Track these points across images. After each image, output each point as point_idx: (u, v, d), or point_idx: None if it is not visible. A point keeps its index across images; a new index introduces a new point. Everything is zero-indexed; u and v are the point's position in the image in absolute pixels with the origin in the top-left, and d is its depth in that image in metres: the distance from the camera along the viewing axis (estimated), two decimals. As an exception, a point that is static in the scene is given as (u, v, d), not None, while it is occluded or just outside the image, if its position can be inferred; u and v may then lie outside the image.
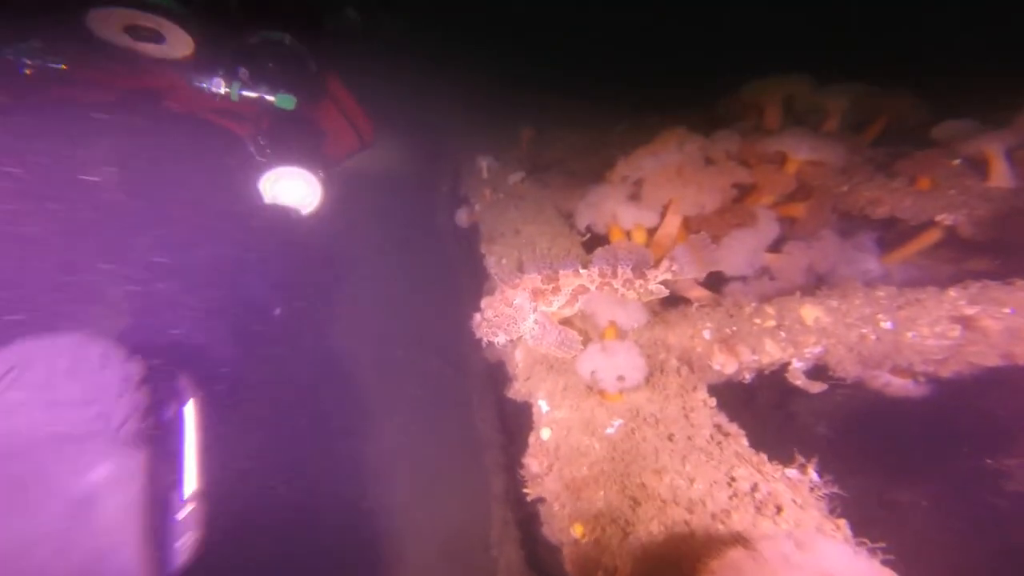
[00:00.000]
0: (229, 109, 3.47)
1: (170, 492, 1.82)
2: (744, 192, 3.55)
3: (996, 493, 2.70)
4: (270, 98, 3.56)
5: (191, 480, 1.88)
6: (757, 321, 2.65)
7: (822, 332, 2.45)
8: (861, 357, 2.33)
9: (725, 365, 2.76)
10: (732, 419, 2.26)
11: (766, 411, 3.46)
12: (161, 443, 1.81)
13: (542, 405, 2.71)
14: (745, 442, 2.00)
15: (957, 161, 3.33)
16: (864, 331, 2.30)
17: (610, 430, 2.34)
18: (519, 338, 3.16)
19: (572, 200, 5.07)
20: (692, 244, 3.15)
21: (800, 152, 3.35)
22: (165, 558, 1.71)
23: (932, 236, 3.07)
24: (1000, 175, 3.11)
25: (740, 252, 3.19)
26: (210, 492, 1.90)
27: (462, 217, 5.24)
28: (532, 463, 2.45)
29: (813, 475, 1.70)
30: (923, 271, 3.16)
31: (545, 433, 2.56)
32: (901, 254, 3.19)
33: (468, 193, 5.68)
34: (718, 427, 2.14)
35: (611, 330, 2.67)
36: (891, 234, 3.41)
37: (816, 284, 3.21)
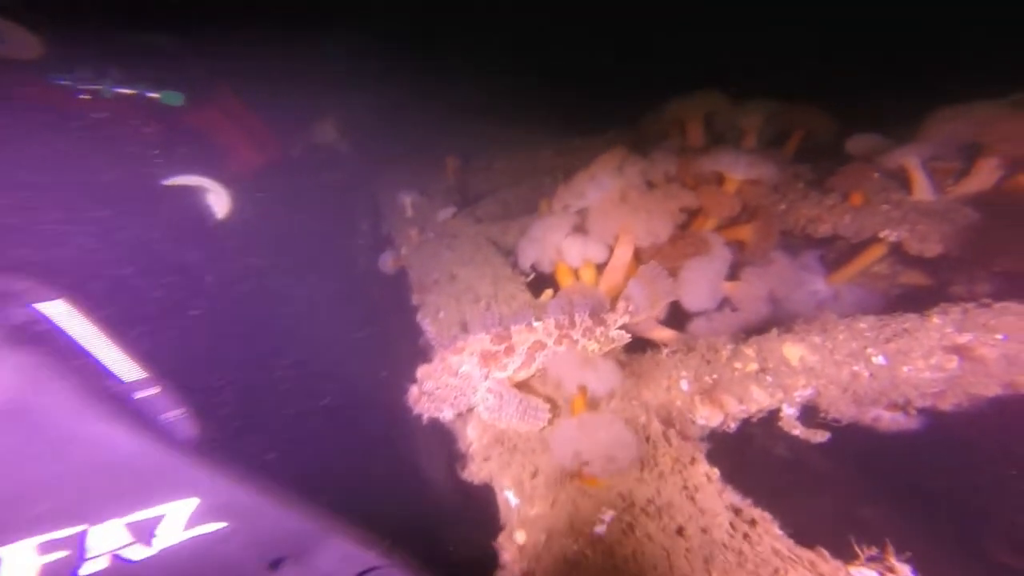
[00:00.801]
0: (111, 108, 3.55)
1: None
2: (689, 217, 3.36)
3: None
4: (153, 95, 3.68)
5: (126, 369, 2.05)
6: (738, 365, 2.36)
7: (810, 372, 2.21)
8: (856, 396, 2.11)
9: (710, 418, 2.45)
10: (741, 490, 1.92)
11: (767, 466, 3.14)
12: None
13: (509, 497, 2.21)
14: (778, 528, 1.65)
15: (876, 175, 3.38)
16: (856, 368, 2.08)
17: (600, 528, 1.89)
18: (469, 410, 2.67)
19: (510, 234, 4.70)
20: (644, 277, 2.87)
21: (737, 171, 3.24)
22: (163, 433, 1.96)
23: (876, 252, 3.05)
24: (922, 188, 3.18)
25: (700, 284, 2.95)
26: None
27: (387, 262, 4.65)
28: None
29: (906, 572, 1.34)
30: (868, 291, 3.12)
31: (519, 536, 2.05)
32: (847, 273, 3.15)
33: (392, 234, 5.11)
34: (736, 510, 1.78)
35: (581, 399, 2.24)
36: (831, 252, 3.38)
37: (776, 313, 3.06)
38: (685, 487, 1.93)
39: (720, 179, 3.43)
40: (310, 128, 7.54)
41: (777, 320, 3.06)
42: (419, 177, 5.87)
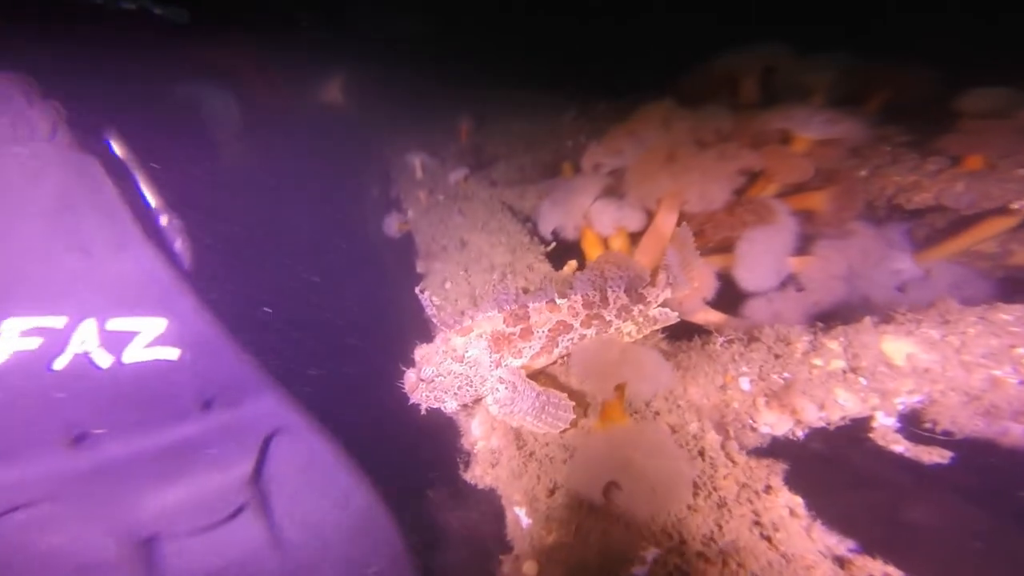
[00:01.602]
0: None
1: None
2: (748, 182, 2.77)
3: None
4: (157, 11, 3.81)
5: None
6: (817, 362, 1.82)
7: (923, 375, 1.66)
8: (991, 407, 1.56)
9: (775, 426, 1.93)
10: (838, 528, 1.40)
11: (863, 493, 2.43)
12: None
13: (520, 516, 1.74)
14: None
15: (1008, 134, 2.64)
16: (999, 372, 1.53)
17: (640, 571, 1.41)
18: (476, 402, 2.19)
19: (528, 199, 4.15)
20: (680, 242, 2.30)
21: (812, 129, 2.62)
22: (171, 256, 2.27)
23: (998, 226, 2.42)
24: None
25: (762, 258, 2.38)
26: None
27: (392, 225, 4.15)
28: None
29: None
30: (970, 271, 2.52)
31: (529, 568, 1.58)
32: (946, 249, 2.54)
33: (400, 196, 4.59)
34: (838, 560, 1.28)
35: (616, 404, 1.72)
36: (920, 226, 2.77)
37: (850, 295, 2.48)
38: (758, 522, 1.42)
39: (787, 139, 2.81)
40: (317, 87, 6.99)
41: (852, 304, 2.50)
42: (431, 138, 5.31)
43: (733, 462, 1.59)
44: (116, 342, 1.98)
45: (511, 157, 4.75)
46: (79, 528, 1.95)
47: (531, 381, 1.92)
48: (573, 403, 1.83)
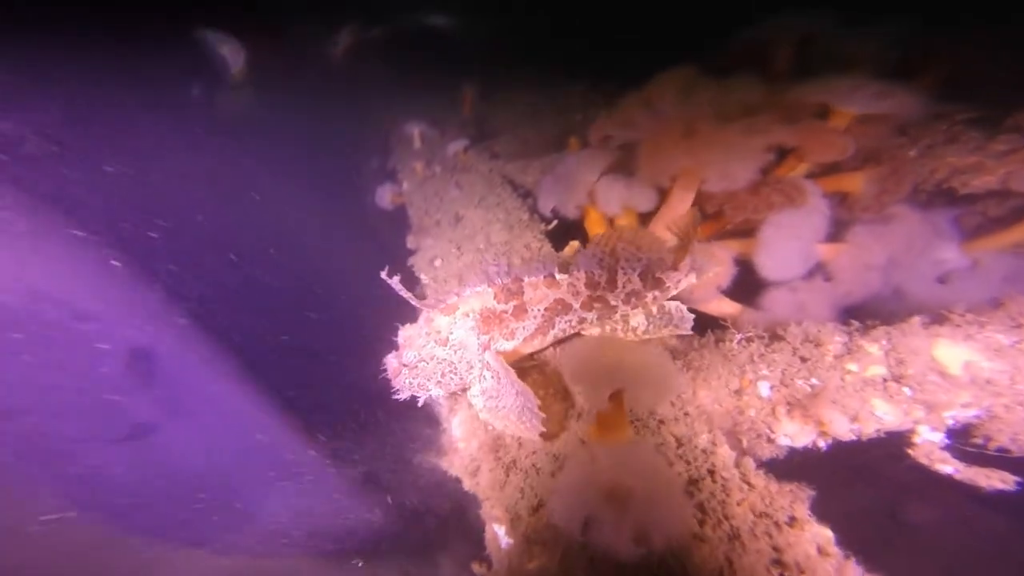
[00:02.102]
0: None
1: None
2: (775, 160, 2.44)
3: None
4: None
5: None
6: (852, 367, 1.55)
7: (984, 386, 1.38)
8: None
9: (796, 437, 1.67)
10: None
11: (898, 520, 2.10)
12: None
13: (499, 534, 1.51)
14: None
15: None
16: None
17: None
18: (461, 390, 1.94)
19: (530, 173, 3.83)
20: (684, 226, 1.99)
21: (856, 103, 2.27)
22: None
23: None
24: None
25: (788, 244, 2.09)
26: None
27: (384, 196, 3.87)
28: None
29: None
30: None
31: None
32: (1004, 239, 2.22)
33: (397, 167, 4.30)
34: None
35: (615, 415, 1.46)
36: (971, 214, 2.44)
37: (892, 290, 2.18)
38: (778, 561, 1.17)
39: (824, 114, 2.46)
40: (320, 48, 6.62)
41: (885, 297, 2.21)
42: (432, 107, 4.97)
43: (749, 485, 1.34)
44: None
45: (515, 129, 4.42)
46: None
47: (512, 374, 1.67)
48: (544, 415, 1.57)
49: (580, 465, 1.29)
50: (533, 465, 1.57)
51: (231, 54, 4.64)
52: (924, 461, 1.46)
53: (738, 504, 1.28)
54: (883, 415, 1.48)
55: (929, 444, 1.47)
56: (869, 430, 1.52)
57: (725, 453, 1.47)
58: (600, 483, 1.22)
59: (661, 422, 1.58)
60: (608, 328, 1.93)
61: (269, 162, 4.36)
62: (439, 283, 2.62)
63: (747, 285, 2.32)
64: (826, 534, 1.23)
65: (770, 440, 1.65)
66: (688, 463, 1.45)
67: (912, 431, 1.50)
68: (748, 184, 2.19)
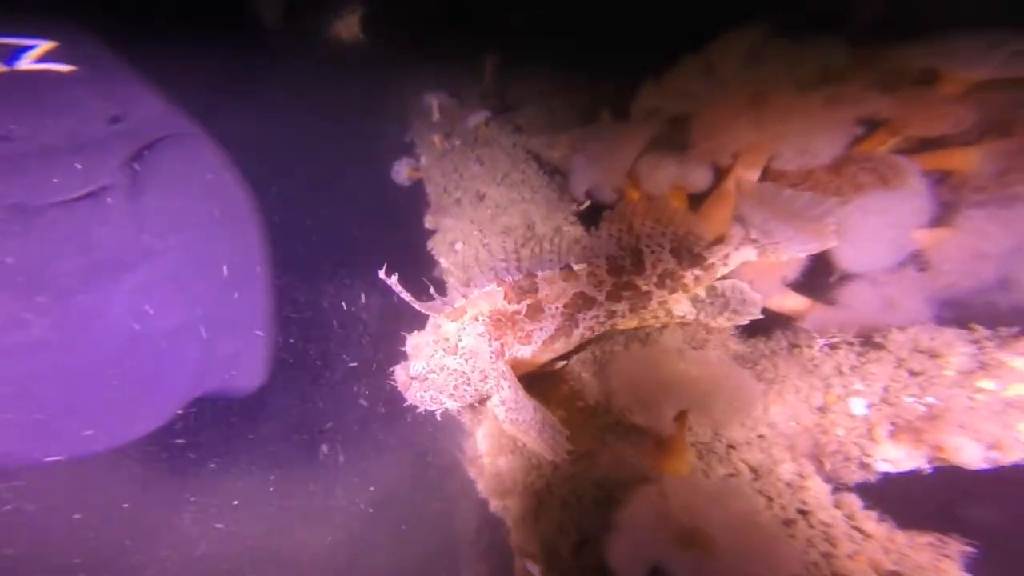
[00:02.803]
0: None
1: None
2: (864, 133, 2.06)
3: None
4: None
5: None
6: (987, 385, 1.24)
7: None
8: None
9: (899, 463, 1.37)
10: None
11: None
12: None
13: (534, 572, 1.26)
14: None
15: None
16: None
17: None
18: (481, 401, 1.67)
19: (558, 148, 3.50)
20: (765, 197, 1.67)
21: (986, 67, 1.86)
22: None
23: None
24: None
25: (879, 231, 1.75)
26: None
27: (401, 172, 3.56)
28: None
29: None
30: None
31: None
32: None
33: (415, 140, 3.98)
34: None
35: (679, 439, 1.16)
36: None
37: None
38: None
39: (931, 79, 2.05)
40: (331, 23, 6.23)
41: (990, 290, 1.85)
42: (452, 76, 4.60)
43: (863, 533, 1.05)
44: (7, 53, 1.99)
45: (539, 100, 4.04)
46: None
47: (523, 391, 1.40)
48: (567, 432, 1.31)
49: (647, 502, 1.01)
50: (573, 492, 1.29)
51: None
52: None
53: (851, 558, 0.99)
54: (1026, 447, 1.17)
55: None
56: (1012, 459, 1.21)
57: (818, 488, 1.17)
58: (674, 526, 0.95)
59: (731, 447, 1.29)
60: (649, 318, 1.64)
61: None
62: (460, 268, 2.34)
63: (813, 274, 1.99)
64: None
65: (863, 465, 1.36)
66: (770, 500, 1.17)
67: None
68: (831, 161, 1.85)
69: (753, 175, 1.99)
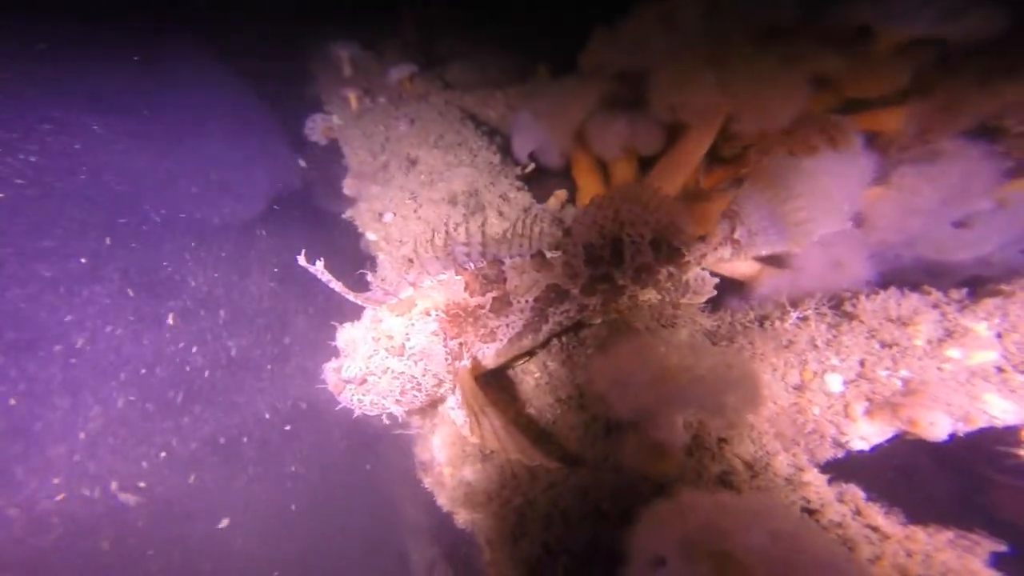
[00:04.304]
0: None
1: None
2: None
3: None
4: None
5: None
6: (953, 354, 1.19)
7: None
8: None
9: (872, 438, 1.32)
10: None
11: None
12: None
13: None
14: None
15: None
16: None
17: None
18: (433, 404, 1.37)
19: (494, 106, 3.14)
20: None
21: (918, 23, 1.81)
22: None
23: None
24: None
25: (832, 194, 1.67)
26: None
27: (315, 128, 2.99)
28: None
29: None
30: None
31: None
32: None
33: (323, 97, 3.38)
34: None
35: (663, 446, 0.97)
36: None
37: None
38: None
39: (867, 39, 1.97)
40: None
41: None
42: (364, 26, 3.97)
43: (878, 531, 0.93)
44: None
45: (469, 54, 3.61)
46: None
47: (482, 413, 1.14)
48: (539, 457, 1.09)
49: (664, 524, 0.80)
50: (555, 506, 1.07)
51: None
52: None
53: (873, 563, 0.87)
54: (1000, 413, 1.13)
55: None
56: (974, 428, 1.17)
57: (818, 481, 1.05)
58: (703, 547, 0.75)
59: (722, 440, 1.14)
60: (613, 314, 1.43)
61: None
62: (392, 244, 1.96)
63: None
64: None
65: (837, 444, 1.28)
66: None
67: (1020, 427, 1.18)
68: (789, 123, 1.73)
69: (709, 136, 1.83)
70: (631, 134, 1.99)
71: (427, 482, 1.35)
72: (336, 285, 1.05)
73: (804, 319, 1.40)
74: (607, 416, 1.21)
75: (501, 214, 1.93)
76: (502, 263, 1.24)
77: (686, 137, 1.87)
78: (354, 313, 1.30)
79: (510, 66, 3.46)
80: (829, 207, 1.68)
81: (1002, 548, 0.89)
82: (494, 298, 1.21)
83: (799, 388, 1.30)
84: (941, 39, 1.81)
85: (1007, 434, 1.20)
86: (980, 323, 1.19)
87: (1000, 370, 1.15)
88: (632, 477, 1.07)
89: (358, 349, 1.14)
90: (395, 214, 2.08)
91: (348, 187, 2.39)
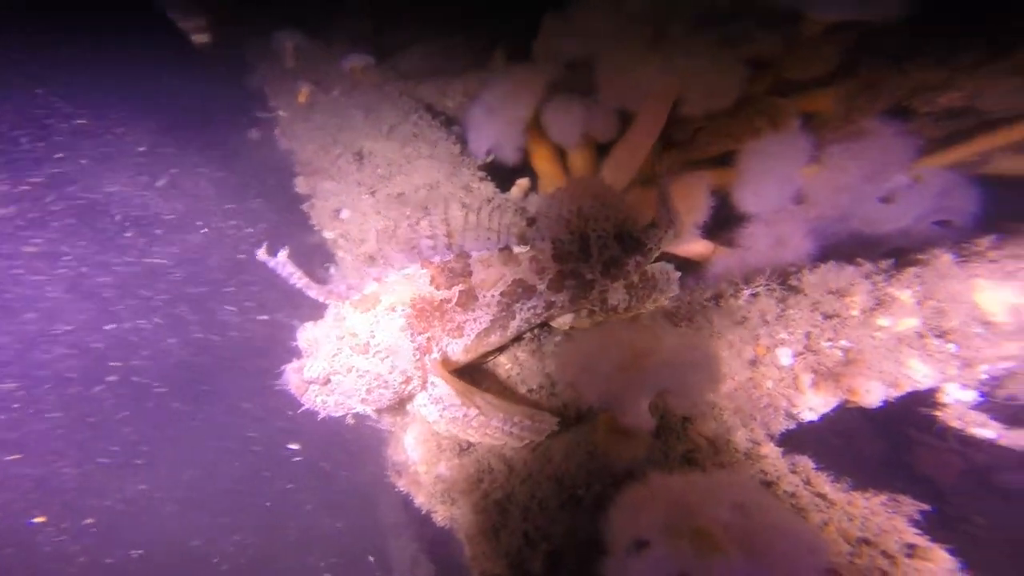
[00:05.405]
0: None
1: None
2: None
3: None
4: None
5: None
6: (883, 323, 1.28)
7: (1031, 338, 1.18)
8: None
9: (819, 409, 1.40)
10: None
11: None
12: None
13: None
14: None
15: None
16: None
17: None
18: (402, 404, 1.34)
19: (451, 96, 3.05)
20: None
21: (834, 7, 1.90)
22: None
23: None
24: None
25: (774, 174, 1.75)
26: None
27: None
28: None
29: None
30: (958, 178, 2.08)
31: None
32: (954, 155, 2.07)
33: (266, 90, 3.17)
34: None
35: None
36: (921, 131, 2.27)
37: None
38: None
39: (800, 24, 2.04)
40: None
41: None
42: (308, 15, 3.74)
43: (825, 499, 1.00)
44: None
45: (422, 42, 3.49)
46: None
47: (462, 390, 1.14)
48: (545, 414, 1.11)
49: (637, 507, 0.82)
50: (533, 496, 1.08)
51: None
52: (956, 424, 1.26)
53: (822, 529, 0.93)
54: (919, 375, 1.23)
55: (958, 405, 1.27)
56: (900, 393, 1.27)
57: (773, 454, 1.11)
58: (680, 526, 0.78)
59: (686, 419, 1.18)
60: (584, 312, 1.43)
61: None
62: (352, 241, 1.89)
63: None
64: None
65: (789, 416, 1.36)
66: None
67: (937, 389, 1.28)
68: (731, 103, 1.77)
69: (661, 120, 1.85)
70: (587, 121, 1.99)
71: (401, 484, 1.33)
72: (301, 282, 1.00)
73: (755, 295, 1.45)
74: (578, 404, 1.23)
75: (464, 206, 1.89)
76: (469, 256, 1.22)
77: (638, 122, 1.89)
78: (314, 312, 1.25)
79: (467, 52, 3.37)
80: (768, 184, 1.77)
81: (925, 507, 0.98)
82: (460, 292, 1.19)
83: (753, 363, 1.36)
84: (860, 22, 1.90)
85: (927, 396, 1.31)
86: (904, 291, 1.28)
87: (920, 335, 1.25)
88: (604, 462, 1.09)
89: (321, 348, 1.10)
90: (352, 209, 2.00)
91: (300, 184, 2.27)
